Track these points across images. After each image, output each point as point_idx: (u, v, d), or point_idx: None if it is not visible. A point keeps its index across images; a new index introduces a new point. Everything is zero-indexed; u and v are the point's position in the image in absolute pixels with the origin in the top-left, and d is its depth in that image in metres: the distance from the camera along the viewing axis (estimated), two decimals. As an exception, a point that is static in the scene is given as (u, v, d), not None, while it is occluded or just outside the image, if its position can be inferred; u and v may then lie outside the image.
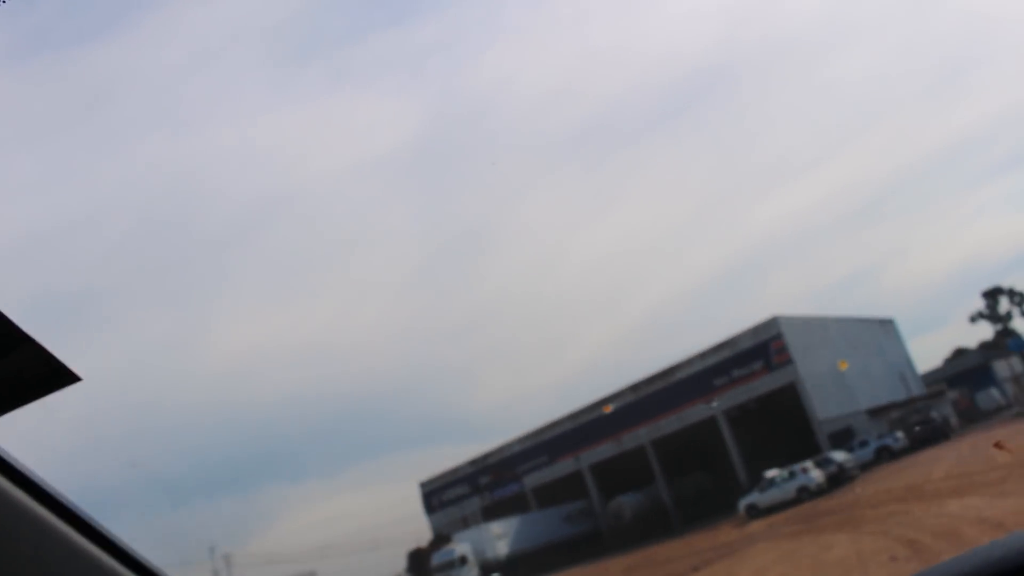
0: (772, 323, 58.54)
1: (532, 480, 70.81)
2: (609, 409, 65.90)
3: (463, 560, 57.87)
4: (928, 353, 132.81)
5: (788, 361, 57.46)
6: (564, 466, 68.57)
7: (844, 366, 57.65)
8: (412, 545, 72.88)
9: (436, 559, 59.09)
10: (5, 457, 1.24)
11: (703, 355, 61.67)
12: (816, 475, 41.46)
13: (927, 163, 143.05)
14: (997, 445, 23.95)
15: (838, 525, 22.22)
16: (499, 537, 61.62)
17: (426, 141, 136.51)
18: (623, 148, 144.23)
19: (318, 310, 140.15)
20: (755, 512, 41.66)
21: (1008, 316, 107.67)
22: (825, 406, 56.95)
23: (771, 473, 43.46)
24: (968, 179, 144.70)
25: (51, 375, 1.30)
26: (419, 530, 76.43)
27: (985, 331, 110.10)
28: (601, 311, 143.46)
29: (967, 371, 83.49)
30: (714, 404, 59.97)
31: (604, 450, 66.43)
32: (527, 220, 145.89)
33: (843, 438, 53.19)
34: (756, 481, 45.43)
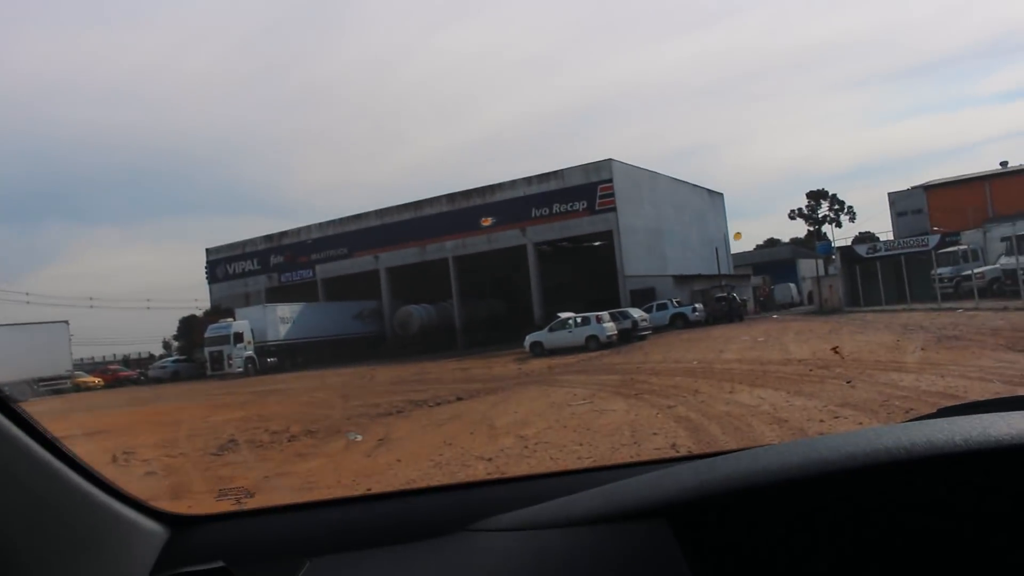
0: (605, 165, 55.63)
1: (325, 270, 66.92)
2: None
3: (238, 337, 54.30)
4: (743, 238, 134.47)
5: (611, 208, 54.96)
6: (361, 263, 64.88)
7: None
8: (189, 312, 69.08)
9: (209, 331, 55.09)
10: None
11: (528, 180, 58.34)
12: (609, 327, 39.29)
13: (790, 58, 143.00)
14: (834, 350, 21.91)
15: (618, 388, 19.45)
16: (283, 320, 58.48)
17: None
18: None
19: (143, 40, 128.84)
20: (539, 350, 39.39)
21: (824, 219, 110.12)
22: (635, 262, 55.14)
23: (564, 315, 41.09)
24: (826, 84, 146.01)
25: None
26: (202, 300, 72.28)
27: (799, 229, 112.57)
28: (439, 119, 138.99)
29: (774, 262, 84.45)
30: (526, 233, 57.22)
31: (405, 255, 63.02)
32: (383, 5, 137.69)
33: (645, 297, 51.62)
34: (551, 320, 43.05)
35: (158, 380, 57.99)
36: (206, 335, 55.15)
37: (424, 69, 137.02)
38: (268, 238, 70.69)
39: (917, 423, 1.66)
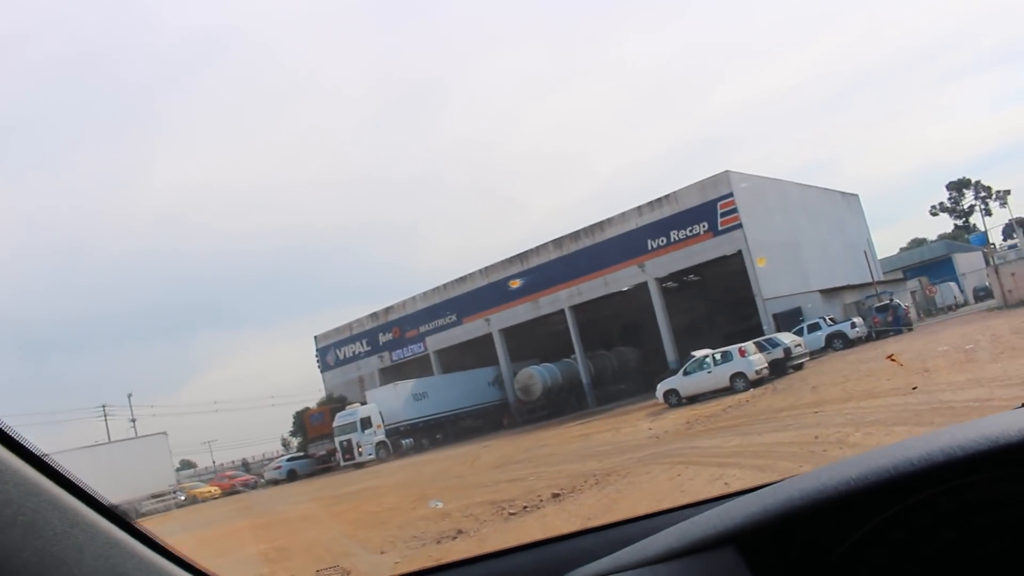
0: (723, 178, 47.75)
1: (436, 341, 60.57)
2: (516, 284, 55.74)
3: (366, 422, 49.51)
4: (882, 246, 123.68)
5: (736, 225, 46.94)
6: (473, 328, 58.34)
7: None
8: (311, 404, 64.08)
9: (336, 420, 50.90)
10: None
11: (639, 210, 50.86)
12: (756, 360, 31.13)
13: (900, 57, 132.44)
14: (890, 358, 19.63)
15: (802, 458, 11.81)
16: (415, 397, 53.17)
17: None
18: (589, 18, 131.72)
19: (262, 156, 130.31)
20: (675, 399, 31.70)
21: (971, 210, 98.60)
22: (773, 281, 46.75)
23: (699, 353, 33.22)
24: (941, 77, 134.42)
25: None
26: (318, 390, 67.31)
27: (944, 225, 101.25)
28: (553, 179, 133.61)
29: (926, 262, 74.65)
30: (645, 268, 49.63)
31: (518, 313, 56.13)
32: (485, 79, 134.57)
33: (790, 320, 43.23)
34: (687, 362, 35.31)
35: (275, 482, 53.25)
36: (334, 424, 51.11)
37: (532, 133, 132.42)
38: (373, 316, 64.99)
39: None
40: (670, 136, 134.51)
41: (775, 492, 1.60)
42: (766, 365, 31.34)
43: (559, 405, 52.04)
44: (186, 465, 73.55)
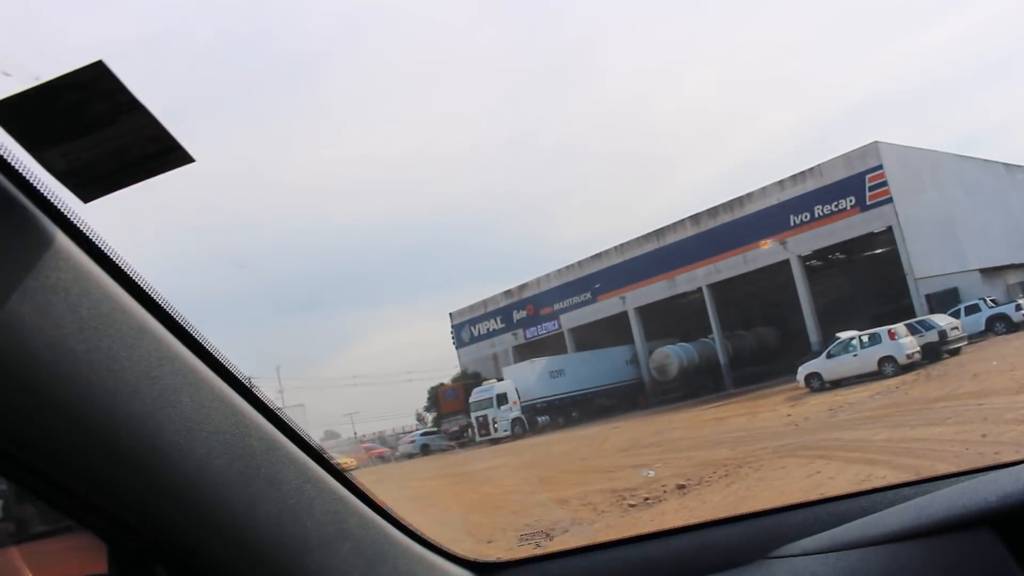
0: (871, 150, 44.90)
1: (570, 319, 59.60)
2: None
3: (502, 398, 49.20)
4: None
5: (886, 200, 44.09)
6: (607, 306, 57.09)
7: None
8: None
9: (473, 396, 50.97)
10: (99, 245, 1.08)
11: (780, 184, 48.45)
12: (908, 343, 28.82)
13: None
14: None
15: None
16: (552, 375, 52.42)
17: None
18: None
19: (409, 131, 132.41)
20: (817, 383, 29.77)
21: None
22: (926, 260, 43.72)
23: (845, 335, 31.12)
24: None
25: (160, 152, 1.08)
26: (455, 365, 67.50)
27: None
28: (692, 154, 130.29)
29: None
30: (787, 245, 47.26)
31: (654, 291, 54.54)
32: (622, 55, 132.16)
33: (945, 302, 40.25)
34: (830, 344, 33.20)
35: (409, 455, 53.53)
36: (470, 399, 51.13)
37: (673, 106, 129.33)
38: (508, 293, 64.50)
39: None
40: (815, 111, 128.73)
41: None
42: (918, 349, 28.97)
43: (695, 386, 50.27)
44: (330, 435, 74.95)
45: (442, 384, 60.86)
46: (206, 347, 1.21)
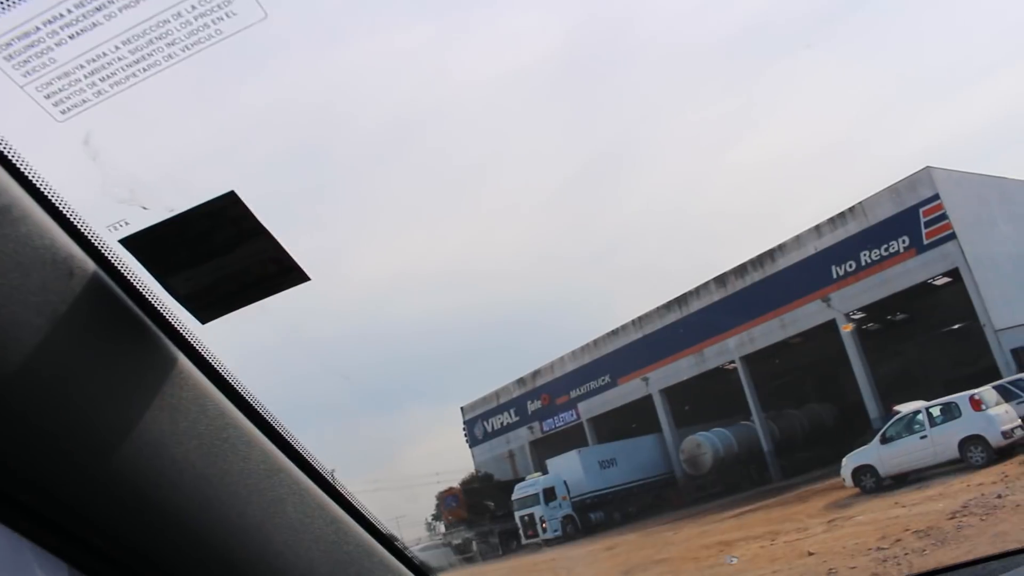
0: (923, 177, 35.75)
1: (589, 408, 50.43)
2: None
3: (549, 494, 41.97)
4: None
5: (948, 236, 34.73)
6: (629, 390, 47.91)
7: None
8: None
9: (516, 492, 44.05)
10: (214, 365, 1.15)
11: (817, 230, 39.36)
12: (1001, 413, 19.27)
13: None
14: None
15: None
16: (602, 465, 44.42)
17: (566, 56, 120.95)
18: (776, 58, 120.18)
19: (455, 235, 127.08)
20: (871, 482, 20.36)
21: None
22: (1007, 307, 34.05)
23: (906, 407, 21.70)
24: None
25: (278, 273, 1.15)
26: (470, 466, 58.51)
27: None
28: (748, 234, 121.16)
29: None
30: (831, 302, 37.92)
31: (680, 368, 45.29)
32: (670, 137, 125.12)
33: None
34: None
35: None
36: (513, 497, 43.67)
37: (723, 187, 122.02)
38: (520, 382, 55.52)
39: None
40: (866, 180, 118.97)
41: None
42: (1019, 423, 19.39)
43: (735, 478, 40.99)
44: None
45: (450, 488, 51.81)
46: (307, 458, 1.25)
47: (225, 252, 1.06)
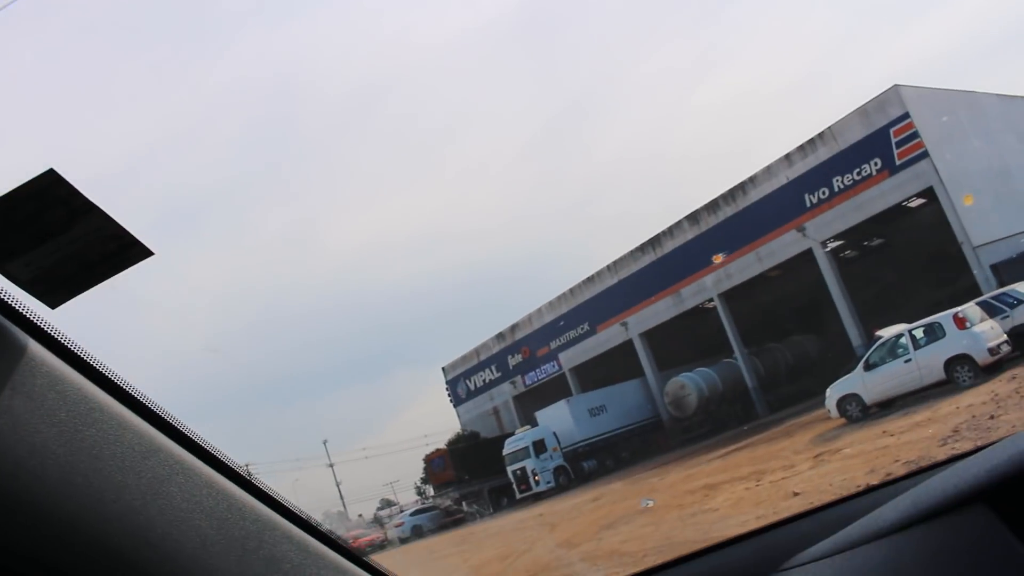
0: (892, 96, 34.60)
1: (570, 358, 49.50)
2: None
3: (539, 446, 41.29)
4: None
5: (921, 154, 33.72)
6: (609, 336, 47.02)
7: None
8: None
9: (506, 447, 43.44)
10: (71, 348, 1.08)
11: (787, 159, 38.29)
12: (986, 330, 18.38)
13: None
14: None
15: None
16: (592, 413, 43.78)
17: (524, 10, 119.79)
18: None
19: (427, 198, 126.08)
20: (857, 411, 19.52)
21: None
22: (984, 222, 33.17)
23: (888, 331, 20.78)
24: None
25: (120, 249, 1.13)
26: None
27: None
28: (721, 174, 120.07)
29: None
30: (806, 231, 37.02)
31: (658, 311, 44.38)
32: (635, 85, 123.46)
33: (1020, 269, 29.66)
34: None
35: (404, 540, 44.35)
36: (504, 452, 42.93)
37: (690, 130, 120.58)
38: (500, 337, 54.49)
39: None
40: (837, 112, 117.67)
41: (1017, 441, 1.44)
42: (1005, 338, 18.52)
43: (723, 417, 40.45)
44: (386, 504, 67.30)
45: (437, 449, 50.99)
46: (191, 437, 1.19)
47: (60, 232, 1.02)
